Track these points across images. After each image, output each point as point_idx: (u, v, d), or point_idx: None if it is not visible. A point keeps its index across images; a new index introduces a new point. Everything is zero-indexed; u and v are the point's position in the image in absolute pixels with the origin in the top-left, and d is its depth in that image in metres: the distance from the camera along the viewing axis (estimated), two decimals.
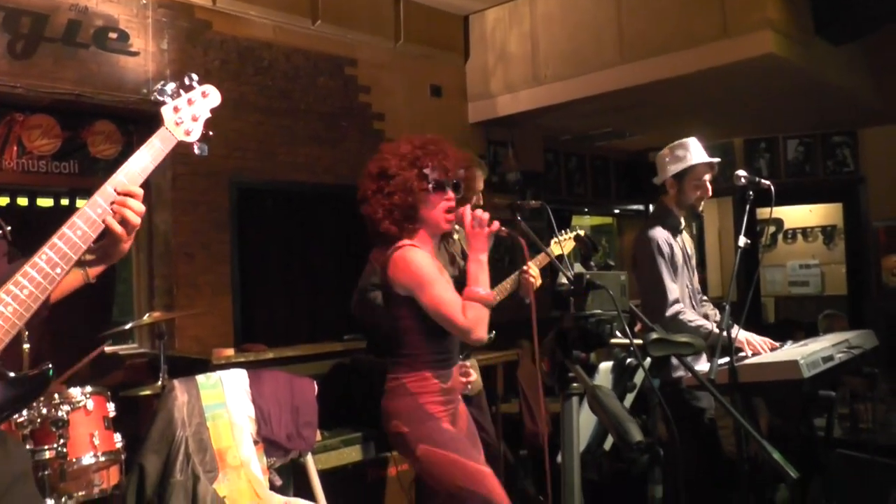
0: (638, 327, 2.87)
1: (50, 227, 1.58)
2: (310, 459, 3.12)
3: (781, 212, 9.20)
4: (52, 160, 4.47)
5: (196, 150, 1.79)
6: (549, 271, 3.35)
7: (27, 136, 4.37)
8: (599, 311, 1.68)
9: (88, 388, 3.16)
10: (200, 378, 2.97)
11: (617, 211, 9.11)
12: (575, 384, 1.68)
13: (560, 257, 3.16)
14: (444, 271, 2.65)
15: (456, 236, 3.39)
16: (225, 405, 2.95)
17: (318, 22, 5.51)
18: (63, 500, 2.99)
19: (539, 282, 3.29)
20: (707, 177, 3.49)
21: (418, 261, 2.46)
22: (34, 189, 4.49)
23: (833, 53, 5.79)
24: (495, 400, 4.58)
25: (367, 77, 5.87)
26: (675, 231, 3.55)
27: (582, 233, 3.54)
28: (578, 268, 1.94)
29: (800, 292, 9.40)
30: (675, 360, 3.18)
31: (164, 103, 1.74)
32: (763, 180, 3.23)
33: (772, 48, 4.94)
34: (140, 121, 4.66)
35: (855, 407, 4.54)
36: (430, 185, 2.51)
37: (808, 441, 3.19)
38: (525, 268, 3.26)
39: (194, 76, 1.80)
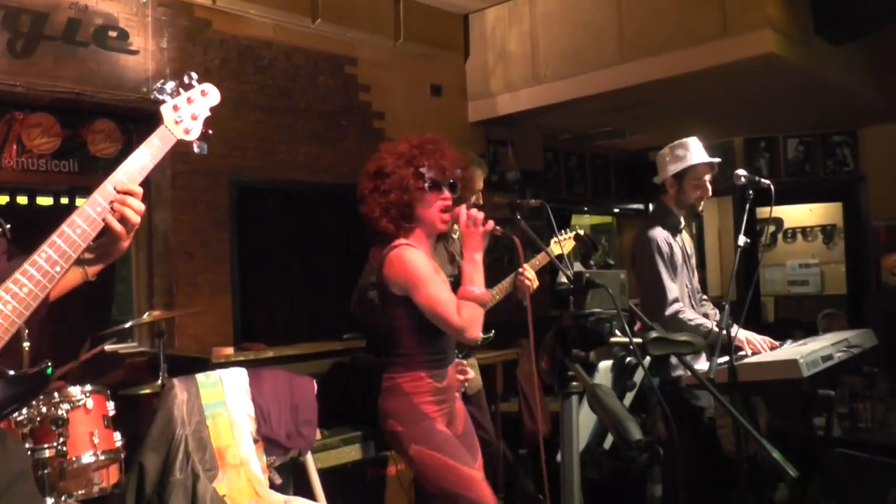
0: (637, 326, 2.88)
1: (50, 226, 1.58)
2: (309, 458, 3.12)
3: (781, 211, 9.20)
4: (51, 159, 4.47)
5: (195, 149, 1.79)
6: (549, 270, 3.35)
7: (27, 135, 4.37)
8: (599, 309, 1.68)
9: (88, 387, 3.17)
10: (200, 377, 2.97)
11: (616, 210, 9.11)
12: (574, 383, 1.68)
13: (560, 257, 3.16)
14: (440, 271, 2.66)
15: (455, 236, 3.39)
16: (225, 404, 2.95)
17: (318, 21, 5.51)
18: (63, 498, 3.00)
19: (536, 284, 3.29)
20: (707, 177, 3.48)
21: (414, 260, 2.47)
22: (34, 187, 4.48)
23: (833, 53, 5.79)
24: (495, 399, 4.58)
25: (367, 76, 5.87)
26: (675, 231, 3.55)
27: (581, 232, 3.54)
28: (578, 267, 1.94)
29: (799, 291, 9.41)
30: (674, 360, 3.18)
31: (163, 102, 1.74)
32: (763, 180, 3.23)
33: (772, 47, 4.94)
34: (140, 119, 4.66)
35: (854, 406, 4.55)
36: (427, 184, 2.52)
37: (808, 440, 3.19)
38: (520, 270, 3.27)
39: (194, 75, 1.80)
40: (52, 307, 1.69)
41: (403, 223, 2.53)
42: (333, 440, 3.40)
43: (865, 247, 7.90)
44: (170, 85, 1.76)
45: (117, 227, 1.62)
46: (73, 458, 3.03)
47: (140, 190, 1.65)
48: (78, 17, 4.38)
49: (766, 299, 9.41)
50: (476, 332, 2.45)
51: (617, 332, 1.71)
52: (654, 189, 3.68)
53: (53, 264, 1.55)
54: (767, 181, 3.23)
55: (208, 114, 1.80)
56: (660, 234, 3.44)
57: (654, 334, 1.80)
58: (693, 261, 3.65)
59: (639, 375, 2.26)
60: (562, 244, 3.41)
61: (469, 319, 2.41)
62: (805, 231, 9.63)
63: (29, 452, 2.88)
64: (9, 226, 1.75)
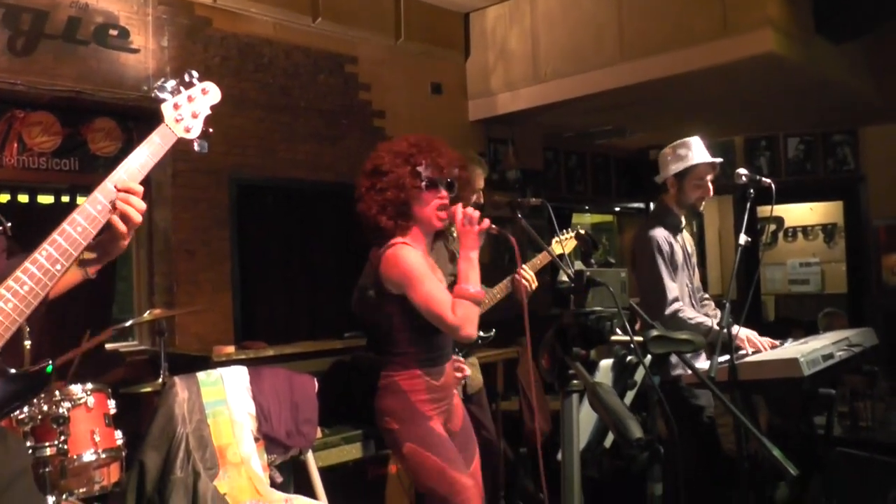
0: (638, 325, 2.88)
1: (50, 224, 1.58)
2: (310, 457, 3.12)
3: (782, 210, 9.20)
4: (52, 157, 4.47)
5: (196, 147, 1.79)
6: (550, 269, 3.35)
7: (27, 133, 4.37)
8: (600, 307, 1.68)
9: (89, 385, 3.17)
10: (201, 375, 2.97)
11: (617, 209, 9.10)
12: (575, 381, 1.68)
13: (561, 256, 3.16)
14: (437, 269, 2.67)
15: (456, 234, 3.39)
16: (225, 402, 2.95)
17: (319, 19, 5.51)
18: (64, 496, 3.00)
19: (535, 284, 3.29)
20: (709, 177, 3.48)
21: (409, 259, 2.47)
22: (34, 186, 4.49)
23: (833, 52, 5.79)
24: (495, 397, 4.58)
25: (368, 74, 5.86)
26: (676, 230, 3.54)
27: (582, 231, 3.54)
28: (579, 265, 1.94)
29: (800, 290, 9.40)
30: (674, 359, 3.18)
31: (164, 100, 1.74)
32: (763, 178, 3.22)
33: (772, 46, 4.94)
34: (140, 118, 4.66)
35: (855, 405, 4.54)
36: (423, 183, 2.53)
37: (808, 439, 3.19)
38: (518, 270, 3.27)
39: (194, 73, 1.80)
40: (52, 306, 1.69)
41: (400, 221, 2.54)
42: (334, 438, 3.40)
43: (866, 246, 7.90)
44: (170, 83, 1.76)
45: (120, 225, 1.62)
46: (74, 457, 3.03)
47: (141, 188, 1.65)
48: (78, 16, 4.38)
49: (767, 298, 9.41)
50: (471, 331, 2.46)
51: (617, 330, 1.71)
52: (655, 188, 3.68)
53: (54, 262, 1.55)
54: (768, 180, 3.23)
55: (209, 112, 1.80)
56: (660, 233, 3.44)
57: (654, 333, 1.80)
58: (693, 259, 3.65)
59: (639, 374, 2.26)
60: (563, 244, 3.41)
61: (464, 318, 2.42)
62: (806, 230, 9.62)
63: (30, 451, 2.89)
64: (9, 224, 1.75)
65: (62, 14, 4.33)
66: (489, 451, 3.60)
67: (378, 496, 3.87)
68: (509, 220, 2.72)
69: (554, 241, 3.40)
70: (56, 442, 2.96)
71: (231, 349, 4.18)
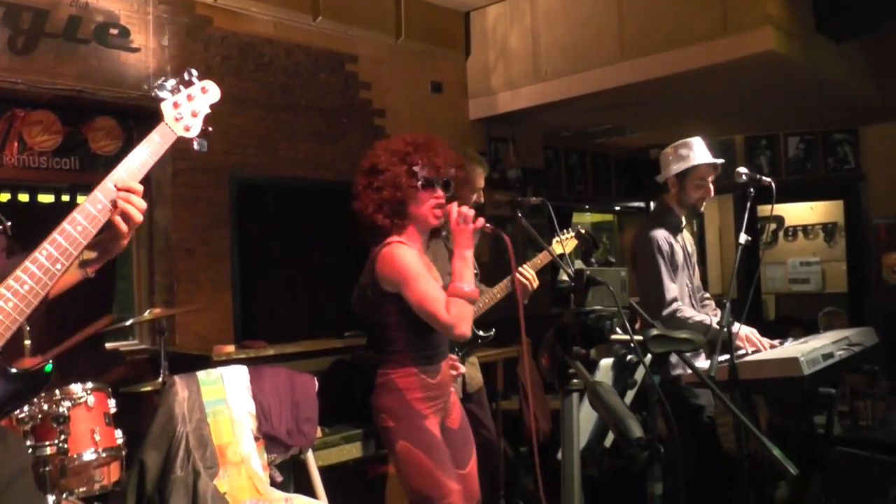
0: (638, 324, 2.88)
1: (51, 223, 1.58)
2: (310, 456, 3.12)
3: (782, 209, 9.20)
4: (52, 156, 4.47)
5: (196, 146, 1.79)
6: (551, 268, 3.36)
7: (28, 132, 4.37)
8: (600, 307, 1.68)
9: (89, 385, 3.17)
10: (201, 374, 2.97)
11: (617, 208, 9.10)
12: (575, 380, 1.68)
13: (561, 255, 3.16)
14: (433, 268, 2.69)
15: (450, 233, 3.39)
16: (225, 401, 2.95)
17: (319, 18, 5.51)
18: (64, 496, 3.00)
19: (536, 283, 3.30)
20: (710, 177, 3.48)
21: (404, 257, 2.49)
22: (35, 185, 4.48)
23: (834, 50, 5.78)
24: (495, 396, 4.59)
25: (368, 73, 5.86)
26: (676, 230, 3.55)
27: (583, 230, 3.55)
28: (579, 264, 1.94)
29: (800, 290, 9.40)
30: (674, 358, 3.18)
31: (163, 99, 1.74)
32: (764, 177, 3.22)
33: (772, 45, 4.93)
34: (141, 117, 4.66)
35: (855, 404, 4.54)
36: (420, 183, 2.54)
37: (808, 438, 3.19)
38: (519, 269, 3.28)
39: (194, 72, 1.80)
40: (52, 305, 1.69)
41: (396, 220, 2.55)
42: (334, 438, 3.40)
43: (866, 245, 7.90)
44: (170, 82, 1.77)
45: (121, 225, 1.62)
46: (75, 456, 3.03)
47: (141, 187, 1.65)
48: (79, 15, 4.38)
49: (767, 297, 9.41)
50: (465, 329, 2.47)
51: (618, 329, 1.71)
52: (655, 187, 3.68)
53: (55, 262, 1.55)
54: (768, 179, 3.22)
55: (208, 111, 1.80)
56: (661, 234, 3.45)
57: (654, 332, 1.80)
58: (694, 259, 3.65)
59: (639, 373, 2.26)
60: (563, 243, 3.42)
61: (458, 316, 2.43)
62: (806, 229, 9.62)
63: (30, 450, 2.89)
64: (10, 223, 1.75)
65: (63, 13, 4.32)
66: (489, 451, 3.61)
67: (378, 496, 3.87)
68: (510, 218, 2.72)
69: (554, 240, 3.41)
70: (56, 441, 2.96)
71: (231, 348, 4.18)
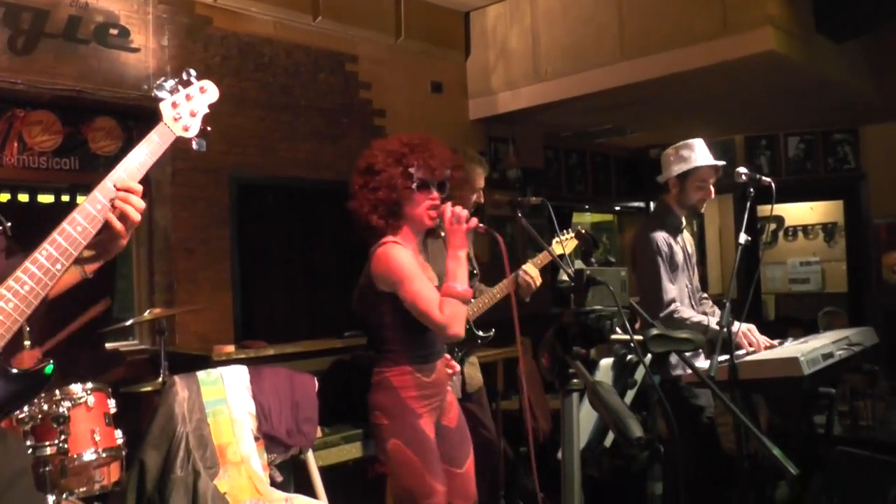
0: (638, 324, 2.88)
1: (50, 224, 1.58)
2: (310, 456, 3.12)
3: (782, 209, 9.20)
4: (52, 156, 4.46)
5: (194, 146, 1.80)
6: (551, 268, 3.36)
7: (28, 132, 4.37)
8: (600, 306, 1.68)
9: (89, 385, 3.17)
10: (201, 374, 2.97)
11: (617, 208, 9.10)
12: (575, 380, 1.68)
13: (561, 256, 3.16)
14: (427, 268, 2.70)
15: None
16: (226, 401, 2.95)
17: (319, 18, 5.51)
18: (64, 496, 3.00)
19: (539, 281, 3.30)
20: (711, 179, 3.49)
21: (399, 257, 2.51)
22: (35, 185, 4.48)
23: (834, 50, 5.78)
24: (496, 396, 4.59)
25: (368, 73, 5.86)
26: (676, 231, 3.55)
27: (583, 230, 3.55)
28: (579, 264, 1.94)
29: (800, 289, 9.40)
30: (673, 359, 3.18)
31: (162, 99, 1.74)
32: (764, 177, 3.22)
33: (772, 45, 4.93)
34: (140, 117, 4.65)
35: (855, 404, 4.55)
36: (415, 184, 2.55)
37: (808, 438, 3.19)
38: (523, 269, 3.28)
39: (192, 71, 1.80)
40: (52, 305, 1.69)
41: (391, 221, 2.57)
42: (334, 438, 3.40)
43: (866, 245, 7.90)
44: (169, 82, 1.77)
45: (117, 224, 1.62)
46: (75, 456, 3.03)
47: (140, 187, 1.66)
48: (78, 15, 4.38)
49: (767, 297, 9.41)
50: (457, 329, 2.49)
51: (618, 329, 1.71)
52: (655, 187, 3.68)
53: (55, 262, 1.55)
54: (768, 179, 3.23)
55: (207, 110, 1.81)
56: (660, 235, 3.45)
57: (654, 331, 1.80)
58: (693, 259, 3.65)
59: (639, 373, 2.26)
60: (563, 244, 3.42)
61: (451, 316, 2.45)
62: (806, 229, 9.62)
63: (30, 450, 2.89)
64: (9, 224, 1.75)
65: (62, 13, 4.32)
66: (489, 451, 3.61)
67: (378, 495, 3.86)
68: (510, 218, 2.72)
69: (554, 240, 3.41)
70: (56, 441, 2.96)
71: (231, 348, 4.18)
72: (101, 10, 4.47)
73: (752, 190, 3.21)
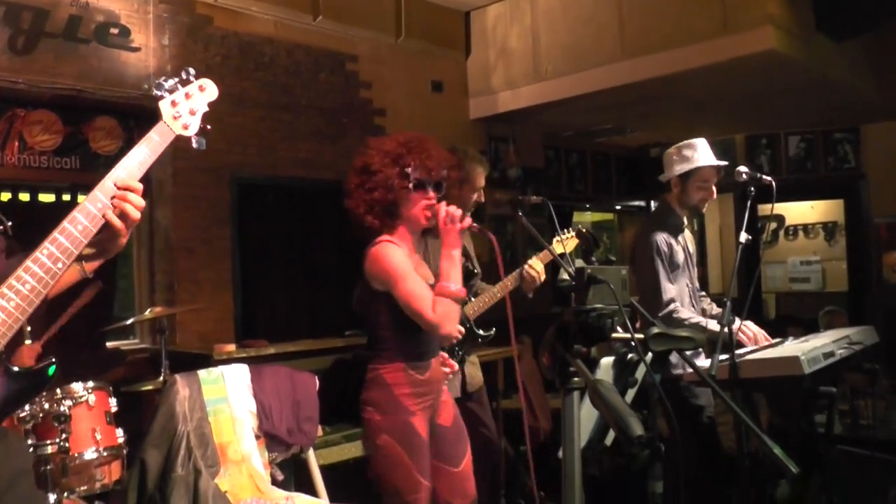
0: (639, 323, 2.88)
1: (51, 223, 1.58)
2: (311, 454, 3.12)
3: (783, 208, 9.18)
4: (53, 155, 4.47)
5: (194, 144, 1.80)
6: (551, 267, 3.36)
7: (28, 132, 4.37)
8: (600, 305, 1.68)
9: (90, 384, 3.18)
10: (202, 373, 2.97)
11: (618, 207, 9.09)
12: (576, 379, 1.68)
13: (562, 255, 3.16)
14: (422, 267, 2.70)
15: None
16: (226, 400, 2.95)
17: (320, 17, 5.50)
18: (65, 495, 3.00)
19: (543, 277, 3.31)
20: (713, 180, 3.49)
21: (393, 256, 2.52)
22: (35, 184, 4.49)
23: (834, 49, 5.78)
24: (496, 395, 4.59)
25: (368, 73, 5.86)
26: (677, 230, 3.55)
27: (583, 229, 3.55)
28: (580, 263, 1.94)
29: (800, 289, 9.39)
30: (674, 358, 3.19)
31: (162, 98, 1.75)
32: (764, 176, 3.22)
33: (772, 44, 4.93)
34: (141, 116, 4.65)
35: (855, 403, 4.54)
36: (411, 185, 2.56)
37: (809, 437, 3.19)
38: (528, 264, 3.28)
39: (192, 70, 1.81)
40: (52, 305, 1.69)
41: (387, 220, 2.58)
42: (335, 437, 3.41)
43: (867, 244, 7.89)
44: (168, 81, 1.77)
45: (117, 223, 1.63)
46: (76, 455, 3.03)
47: (140, 186, 1.66)
48: (79, 14, 4.38)
49: (768, 296, 9.40)
50: (450, 328, 2.51)
51: (618, 327, 1.71)
52: (656, 186, 3.69)
53: (56, 261, 1.55)
54: (769, 178, 3.23)
55: (206, 109, 1.81)
56: (661, 236, 3.46)
57: (655, 330, 1.80)
58: (694, 258, 3.66)
59: (640, 372, 2.26)
60: (564, 243, 3.42)
61: (443, 315, 2.46)
62: (806, 228, 9.61)
63: (31, 449, 2.90)
64: (10, 223, 1.75)
65: (63, 12, 4.32)
66: (490, 450, 3.61)
67: (378, 495, 3.86)
68: (510, 218, 2.73)
69: (555, 239, 3.41)
70: (57, 440, 2.97)
71: (232, 347, 4.17)
72: (101, 10, 4.47)
73: (752, 189, 3.20)
